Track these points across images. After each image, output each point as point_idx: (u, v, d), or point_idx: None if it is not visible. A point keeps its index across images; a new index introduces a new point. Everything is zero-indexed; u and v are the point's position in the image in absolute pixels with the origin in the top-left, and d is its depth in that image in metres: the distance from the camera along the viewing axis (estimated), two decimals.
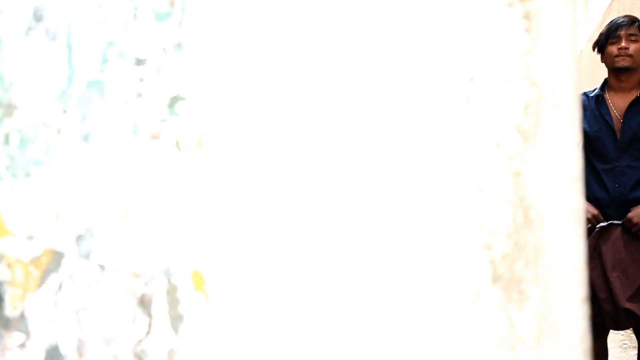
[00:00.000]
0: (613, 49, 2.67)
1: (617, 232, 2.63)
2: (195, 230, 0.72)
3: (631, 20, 2.69)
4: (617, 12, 5.54)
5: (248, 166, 0.70)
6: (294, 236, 0.69)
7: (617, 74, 2.70)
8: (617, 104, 2.72)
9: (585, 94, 2.83)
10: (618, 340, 4.18)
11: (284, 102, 0.70)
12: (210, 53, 0.72)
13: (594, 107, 2.76)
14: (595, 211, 2.65)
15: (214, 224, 0.71)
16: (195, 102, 0.72)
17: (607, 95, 2.76)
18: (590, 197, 2.72)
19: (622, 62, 2.64)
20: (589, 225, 2.64)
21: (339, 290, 0.68)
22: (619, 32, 2.66)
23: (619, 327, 2.66)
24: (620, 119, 2.69)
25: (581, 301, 0.65)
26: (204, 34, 0.72)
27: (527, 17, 0.65)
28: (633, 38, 2.65)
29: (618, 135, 2.69)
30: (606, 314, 2.60)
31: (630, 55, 2.63)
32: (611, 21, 2.76)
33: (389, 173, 0.68)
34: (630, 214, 2.61)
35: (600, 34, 2.78)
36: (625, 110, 2.69)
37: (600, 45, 2.77)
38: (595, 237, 2.64)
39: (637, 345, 2.74)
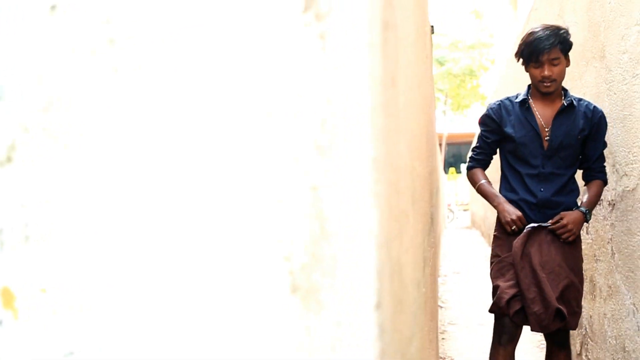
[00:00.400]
0: (536, 73, 2.68)
1: (543, 234, 2.66)
2: (3, 246, 0.71)
3: (552, 44, 2.60)
4: (543, 9, 5.68)
5: (57, 181, 0.71)
6: (99, 247, 0.70)
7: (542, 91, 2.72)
8: (542, 112, 2.74)
9: (508, 99, 2.84)
10: (536, 341, 4.28)
11: (95, 116, 0.70)
12: (17, 68, 0.72)
13: (519, 112, 2.77)
14: (518, 213, 2.68)
15: (22, 239, 0.71)
16: (4, 116, 0.72)
17: (532, 102, 2.77)
18: (517, 199, 2.75)
19: (547, 89, 2.67)
20: (514, 227, 2.68)
21: (149, 298, 0.69)
22: (541, 58, 2.62)
23: (545, 329, 2.60)
24: (545, 127, 2.72)
25: (373, 309, 0.67)
26: (10, 47, 0.72)
27: (323, 36, 0.68)
28: (555, 62, 2.63)
29: (544, 143, 2.71)
30: (533, 315, 2.57)
31: (554, 80, 2.65)
32: (533, 36, 2.64)
33: (191, 186, 0.69)
34: (564, 220, 2.65)
35: (521, 45, 2.71)
36: (552, 119, 2.71)
37: (523, 62, 2.75)
38: (524, 238, 2.65)
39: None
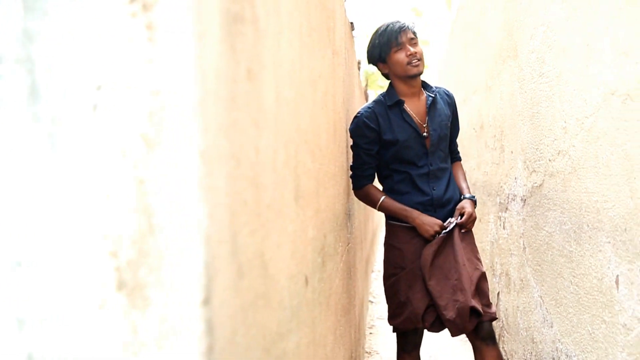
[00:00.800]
0: (401, 56, 2.59)
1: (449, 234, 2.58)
2: None
3: (405, 24, 2.62)
4: (469, 8, 5.77)
5: None
6: None
7: (410, 81, 2.63)
8: (414, 109, 2.66)
9: (376, 104, 2.68)
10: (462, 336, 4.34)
11: None
12: None
13: (395, 115, 2.65)
14: (438, 221, 2.58)
15: None
16: None
17: (402, 100, 2.67)
18: (411, 203, 2.63)
19: (417, 69, 2.59)
20: (434, 233, 2.56)
21: None
22: (401, 39, 2.58)
23: (464, 330, 2.53)
24: (423, 124, 2.65)
25: (200, 304, 0.66)
26: None
27: (150, 27, 0.66)
28: (414, 41, 2.62)
29: (427, 141, 2.65)
30: (448, 322, 2.49)
31: (420, 59, 2.59)
32: (381, 30, 2.65)
33: (11, 180, 0.67)
34: (468, 210, 2.60)
35: (373, 46, 2.66)
36: (425, 115, 2.66)
37: (382, 56, 2.64)
38: (437, 245, 2.56)
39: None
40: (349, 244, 2.79)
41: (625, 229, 1.66)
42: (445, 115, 2.72)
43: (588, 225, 1.98)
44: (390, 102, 2.65)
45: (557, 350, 2.38)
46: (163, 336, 0.66)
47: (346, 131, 2.70)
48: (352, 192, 2.85)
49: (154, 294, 0.66)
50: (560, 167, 2.28)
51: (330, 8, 2.04)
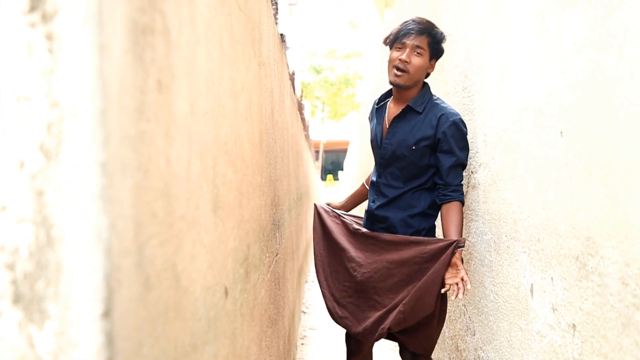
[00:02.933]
0: (394, 56, 2.41)
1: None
2: None
3: (422, 30, 2.38)
4: (399, 22, 5.83)
5: None
6: None
7: (393, 85, 2.48)
8: (391, 115, 2.51)
9: (381, 97, 2.65)
10: (393, 344, 4.39)
11: None
12: None
13: (374, 113, 2.60)
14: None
15: None
16: None
17: (389, 104, 2.54)
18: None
19: (397, 79, 2.40)
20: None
21: None
22: (405, 40, 2.38)
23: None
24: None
25: (99, 317, 0.66)
26: None
27: (49, 37, 0.66)
28: (419, 51, 2.37)
29: (381, 150, 2.52)
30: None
31: (407, 71, 2.37)
32: (405, 22, 2.44)
33: None
34: (462, 275, 2.22)
35: (391, 32, 2.48)
36: (389, 125, 2.48)
37: (389, 45, 2.50)
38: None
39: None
40: (277, 254, 2.79)
41: (539, 239, 1.72)
42: (413, 137, 2.41)
43: (506, 236, 2.05)
44: (382, 98, 2.62)
45: (479, 357, 2.44)
46: (61, 350, 0.65)
47: (275, 142, 2.71)
48: (280, 202, 2.87)
49: (52, 307, 0.65)
50: (482, 179, 2.35)
51: (256, 20, 2.05)
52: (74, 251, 0.66)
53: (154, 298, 0.84)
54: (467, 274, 2.23)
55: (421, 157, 2.42)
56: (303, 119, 8.06)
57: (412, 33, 2.37)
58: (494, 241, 2.19)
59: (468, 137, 2.47)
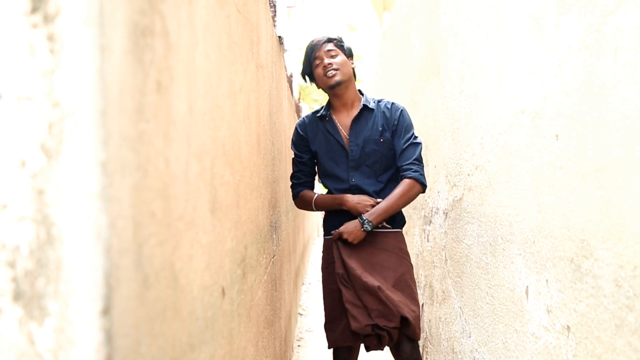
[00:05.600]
0: (320, 71, 2.65)
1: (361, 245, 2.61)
2: None
3: (324, 38, 2.68)
4: (396, 26, 5.87)
5: None
6: None
7: (334, 91, 2.66)
8: (342, 122, 2.68)
9: (313, 114, 2.77)
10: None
11: None
12: None
13: (321, 127, 2.71)
14: (371, 200, 2.61)
15: None
16: None
17: (334, 116, 2.72)
18: (332, 214, 2.72)
19: (333, 79, 2.60)
20: (370, 207, 2.60)
21: None
22: (317, 54, 2.64)
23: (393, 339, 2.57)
24: (348, 138, 2.66)
25: (98, 314, 0.67)
26: None
27: (51, 38, 0.67)
28: (333, 53, 2.63)
29: (348, 154, 2.65)
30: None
31: (337, 69, 2.60)
32: (306, 46, 2.73)
33: None
34: (341, 228, 2.60)
35: (303, 63, 2.74)
36: (350, 127, 2.66)
37: (308, 73, 2.72)
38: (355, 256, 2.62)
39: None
40: (274, 256, 2.80)
41: (534, 242, 1.74)
42: (377, 131, 2.63)
43: (502, 238, 2.06)
44: (320, 114, 2.72)
45: (474, 359, 2.45)
46: (60, 347, 0.66)
47: (272, 143, 2.72)
48: (277, 204, 2.89)
49: (52, 305, 0.66)
50: (478, 182, 2.37)
51: (254, 22, 2.06)
52: (74, 249, 0.67)
53: (153, 297, 0.84)
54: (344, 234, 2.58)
55: (389, 149, 2.64)
56: None
57: (318, 45, 2.65)
58: (490, 243, 2.20)
59: (465, 139, 2.53)
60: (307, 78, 2.76)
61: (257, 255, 2.03)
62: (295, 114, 6.39)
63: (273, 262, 2.72)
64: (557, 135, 1.56)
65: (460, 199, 2.69)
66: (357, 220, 2.58)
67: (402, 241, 2.70)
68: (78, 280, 0.67)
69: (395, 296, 2.52)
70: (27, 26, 0.66)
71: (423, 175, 2.63)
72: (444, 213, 3.05)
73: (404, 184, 2.59)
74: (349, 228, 2.59)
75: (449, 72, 2.83)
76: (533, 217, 1.74)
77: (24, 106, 0.66)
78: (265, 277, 2.33)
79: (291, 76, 5.58)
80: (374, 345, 2.59)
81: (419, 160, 2.63)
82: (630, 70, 1.20)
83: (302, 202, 2.84)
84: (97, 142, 0.67)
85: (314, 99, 24.18)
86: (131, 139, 0.77)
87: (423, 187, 2.62)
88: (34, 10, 0.66)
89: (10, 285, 0.66)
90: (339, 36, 2.75)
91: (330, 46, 2.65)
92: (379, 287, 2.51)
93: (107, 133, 0.69)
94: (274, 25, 3.30)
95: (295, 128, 2.80)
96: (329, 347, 2.72)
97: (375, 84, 6.93)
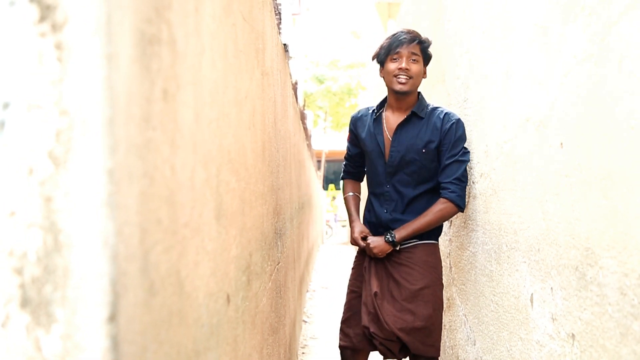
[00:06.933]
0: (393, 67, 2.50)
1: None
2: None
3: (413, 38, 2.50)
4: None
5: None
6: None
7: (396, 95, 2.54)
8: (391, 124, 2.57)
9: (369, 108, 2.69)
10: None
11: None
12: None
13: (370, 123, 2.62)
14: (362, 230, 2.62)
15: None
16: None
17: (385, 114, 2.60)
18: (365, 221, 2.69)
19: (402, 86, 2.48)
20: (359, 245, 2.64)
21: None
22: (399, 50, 2.48)
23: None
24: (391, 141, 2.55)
25: (105, 321, 0.67)
26: None
27: (59, 47, 0.67)
28: (415, 58, 2.48)
29: (386, 159, 2.56)
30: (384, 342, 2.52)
31: (411, 77, 2.48)
32: (393, 34, 2.55)
33: None
34: (367, 240, 2.60)
35: (381, 47, 2.57)
36: (393, 132, 2.54)
37: (380, 60, 2.58)
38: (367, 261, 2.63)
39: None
40: (279, 263, 2.80)
41: (539, 249, 1.74)
42: (421, 140, 2.50)
43: (507, 246, 2.06)
44: (374, 110, 2.64)
45: None
46: (67, 353, 0.66)
47: (277, 151, 2.73)
48: (282, 211, 2.90)
49: (59, 311, 0.67)
50: (483, 189, 2.37)
51: (260, 30, 2.07)
52: (81, 256, 0.67)
53: (158, 303, 0.85)
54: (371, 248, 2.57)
55: (431, 161, 2.51)
56: (305, 129, 8.08)
57: (405, 42, 2.47)
58: (495, 251, 2.20)
59: (469, 147, 2.52)
60: (375, 60, 2.65)
61: (261, 262, 2.03)
62: (300, 121, 6.40)
63: (278, 269, 2.72)
64: (562, 144, 1.56)
65: (465, 206, 2.69)
66: (383, 240, 2.57)
67: (432, 254, 2.60)
68: (85, 286, 0.67)
69: (398, 308, 2.49)
70: (36, 35, 0.67)
71: (461, 195, 2.50)
72: (448, 220, 3.05)
73: (439, 203, 2.51)
74: (374, 243, 2.59)
75: (454, 80, 2.83)
76: (538, 225, 1.74)
77: (33, 114, 0.67)
78: (270, 284, 2.33)
79: (296, 83, 5.59)
80: (382, 352, 2.58)
81: (461, 179, 2.50)
82: (635, 79, 1.20)
83: (343, 188, 2.91)
84: (104, 149, 0.68)
85: (319, 106, 24.26)
86: (138, 146, 0.77)
87: (459, 208, 2.52)
88: (42, 19, 0.67)
89: (18, 292, 0.66)
90: (429, 41, 2.58)
91: (416, 49, 2.50)
92: (375, 294, 2.51)
93: (114, 141, 0.70)
94: (279, 33, 3.31)
95: (351, 119, 2.77)
96: (340, 348, 2.72)
97: (380, 92, 6.94)
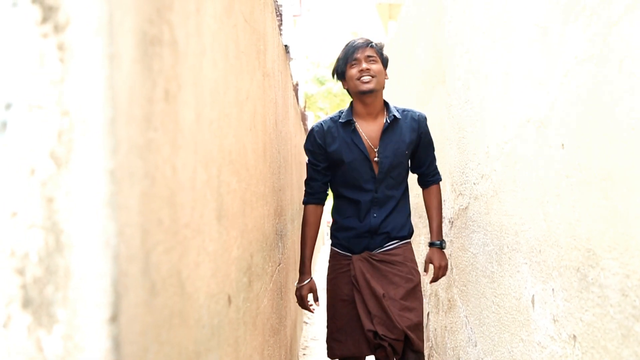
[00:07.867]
0: (354, 72, 2.55)
1: (370, 260, 2.60)
2: None
3: (366, 42, 2.59)
4: (402, 35, 5.84)
5: None
6: None
7: (363, 98, 2.56)
8: (367, 131, 2.59)
9: (331, 119, 2.66)
10: None
11: None
12: None
13: (343, 134, 2.59)
14: (307, 292, 2.68)
15: None
16: None
17: (359, 122, 2.61)
18: (341, 228, 2.67)
19: (367, 85, 2.52)
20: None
21: None
22: (356, 55, 2.55)
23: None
24: (374, 148, 2.58)
25: (106, 321, 0.67)
26: None
27: (61, 48, 0.67)
28: (372, 59, 2.55)
29: (374, 166, 2.58)
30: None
31: (374, 76, 2.52)
32: (345, 45, 2.65)
33: None
34: (437, 270, 2.64)
35: (338, 59, 2.65)
36: (379, 140, 2.58)
37: (340, 71, 2.63)
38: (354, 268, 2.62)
39: None
40: (280, 264, 2.80)
41: (540, 251, 1.73)
42: (404, 143, 2.59)
43: (508, 247, 2.06)
44: (342, 120, 2.61)
45: None
46: (68, 354, 0.66)
47: (278, 152, 2.73)
48: (283, 212, 2.89)
49: (60, 312, 0.67)
50: (484, 190, 2.37)
51: (261, 31, 2.07)
52: (83, 257, 0.67)
53: (160, 304, 0.85)
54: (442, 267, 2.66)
55: (408, 159, 2.69)
56: (306, 130, 8.08)
57: (359, 46, 2.58)
58: (496, 252, 2.20)
59: (471, 148, 2.55)
60: (335, 75, 2.71)
61: (263, 264, 2.03)
62: (301, 122, 6.40)
63: (279, 270, 2.72)
64: (563, 145, 1.56)
65: (465, 207, 2.69)
66: (438, 251, 2.66)
67: (412, 252, 2.70)
68: (86, 287, 0.67)
69: (399, 307, 2.50)
70: (38, 36, 0.67)
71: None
72: (449, 222, 3.05)
73: (436, 191, 2.76)
74: (443, 261, 2.67)
75: (455, 81, 2.83)
76: (539, 226, 1.74)
77: (34, 114, 0.67)
78: (271, 285, 2.33)
79: (297, 84, 5.60)
80: (382, 358, 2.57)
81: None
82: (635, 80, 1.20)
83: (303, 217, 2.79)
84: (106, 150, 0.68)
85: (320, 108, 24.23)
86: (139, 147, 0.77)
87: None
88: (45, 20, 0.67)
89: (20, 292, 0.66)
90: (382, 43, 2.69)
91: (371, 51, 2.58)
92: (383, 295, 2.50)
93: (116, 141, 0.70)
94: (280, 34, 3.31)
95: (311, 134, 2.66)
96: (332, 358, 2.68)
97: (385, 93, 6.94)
